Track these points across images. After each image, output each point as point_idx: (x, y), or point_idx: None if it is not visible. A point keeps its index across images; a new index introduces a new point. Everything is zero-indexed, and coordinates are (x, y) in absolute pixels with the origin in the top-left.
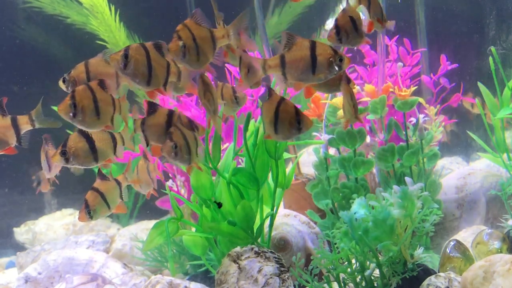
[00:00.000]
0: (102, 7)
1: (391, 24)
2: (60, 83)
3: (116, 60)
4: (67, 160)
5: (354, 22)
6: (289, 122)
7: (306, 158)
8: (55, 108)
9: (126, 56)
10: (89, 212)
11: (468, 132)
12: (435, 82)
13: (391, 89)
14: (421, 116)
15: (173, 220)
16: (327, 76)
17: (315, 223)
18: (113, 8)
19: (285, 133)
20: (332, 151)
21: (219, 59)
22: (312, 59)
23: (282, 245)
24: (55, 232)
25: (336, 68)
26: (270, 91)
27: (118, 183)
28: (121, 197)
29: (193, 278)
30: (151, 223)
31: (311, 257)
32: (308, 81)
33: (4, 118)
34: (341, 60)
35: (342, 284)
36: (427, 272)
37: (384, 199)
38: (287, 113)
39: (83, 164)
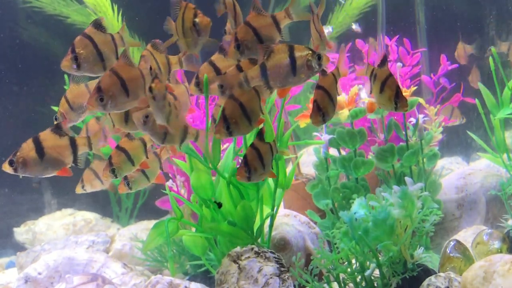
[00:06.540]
0: (106, 6)
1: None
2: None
3: (93, 103)
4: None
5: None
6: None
7: (306, 158)
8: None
9: (101, 98)
10: (113, 170)
11: (468, 132)
12: (435, 82)
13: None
14: (420, 116)
15: (173, 220)
16: (309, 76)
17: (315, 223)
18: (115, 8)
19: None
20: (332, 151)
21: None
22: (291, 62)
23: (282, 245)
24: (55, 232)
25: (317, 67)
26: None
27: (156, 155)
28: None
29: (193, 278)
30: (151, 223)
31: (311, 257)
32: (290, 85)
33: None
34: (319, 58)
35: (342, 284)
36: (427, 272)
37: (384, 199)
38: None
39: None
